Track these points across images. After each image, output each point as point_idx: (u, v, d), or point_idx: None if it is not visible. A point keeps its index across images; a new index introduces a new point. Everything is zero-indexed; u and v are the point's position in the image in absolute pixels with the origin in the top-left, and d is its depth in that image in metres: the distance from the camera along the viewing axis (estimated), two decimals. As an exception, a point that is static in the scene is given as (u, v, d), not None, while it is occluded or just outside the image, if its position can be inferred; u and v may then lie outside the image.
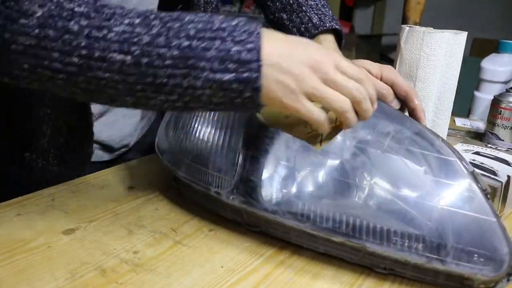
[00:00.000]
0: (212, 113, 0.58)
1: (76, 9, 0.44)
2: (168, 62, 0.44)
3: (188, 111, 0.48)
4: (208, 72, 0.44)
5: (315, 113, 0.45)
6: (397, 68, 0.76)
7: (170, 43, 0.44)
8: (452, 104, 0.77)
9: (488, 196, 0.47)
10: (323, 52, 0.46)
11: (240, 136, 0.54)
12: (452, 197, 0.46)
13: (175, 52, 0.44)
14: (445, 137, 0.79)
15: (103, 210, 0.60)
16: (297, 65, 0.44)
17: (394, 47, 0.82)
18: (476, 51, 2.86)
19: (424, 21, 1.01)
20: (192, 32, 0.44)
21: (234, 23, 0.45)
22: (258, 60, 0.43)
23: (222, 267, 0.50)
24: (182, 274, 0.48)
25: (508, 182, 0.61)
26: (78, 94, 0.47)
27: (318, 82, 0.44)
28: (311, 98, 0.45)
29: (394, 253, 0.46)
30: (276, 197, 0.51)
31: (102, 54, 0.44)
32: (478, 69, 1.14)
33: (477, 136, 0.99)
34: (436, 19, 2.61)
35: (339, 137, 0.50)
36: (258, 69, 0.43)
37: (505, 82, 1.11)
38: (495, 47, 1.13)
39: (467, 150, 0.71)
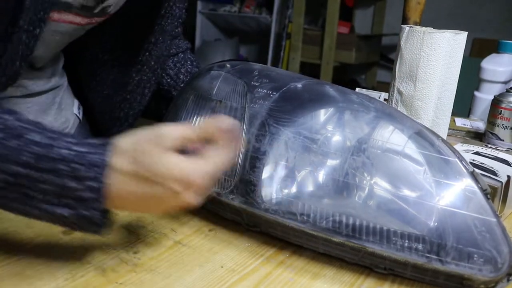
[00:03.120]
0: (212, 113, 0.58)
1: None
2: (2, 185, 0.42)
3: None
4: (44, 204, 0.43)
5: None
6: (397, 68, 0.76)
7: (5, 168, 0.41)
8: (452, 104, 0.77)
9: (488, 196, 0.47)
10: (186, 193, 0.43)
11: (240, 136, 0.54)
12: (452, 197, 0.46)
13: (10, 179, 0.41)
14: (445, 137, 0.79)
15: (103, 210, 0.60)
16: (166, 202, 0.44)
17: (394, 47, 0.82)
18: (476, 51, 2.87)
19: (424, 21, 1.00)
20: (30, 159, 0.41)
21: (79, 149, 0.42)
22: (100, 200, 0.42)
23: (222, 267, 0.50)
24: (182, 274, 0.48)
25: (508, 182, 0.61)
26: None
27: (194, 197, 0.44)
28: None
29: (394, 253, 0.46)
30: (276, 197, 0.51)
31: None
32: (478, 69, 1.14)
33: (477, 136, 0.99)
34: (436, 19, 2.61)
35: (338, 137, 0.50)
36: (100, 209, 0.43)
37: (505, 82, 1.11)
38: (495, 47, 1.13)
39: (467, 150, 0.71)
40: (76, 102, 0.81)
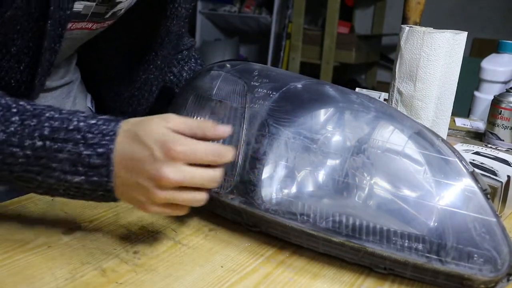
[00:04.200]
0: (212, 113, 0.58)
1: None
2: (21, 160, 0.47)
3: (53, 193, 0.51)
4: (59, 173, 0.47)
5: (168, 213, 0.49)
6: (397, 68, 0.76)
7: (23, 142, 0.46)
8: (452, 104, 0.77)
9: (488, 196, 0.47)
10: (165, 162, 0.46)
11: (240, 136, 0.54)
12: (452, 197, 0.46)
13: (28, 152, 0.46)
14: (445, 137, 0.79)
15: (103, 210, 0.60)
16: (143, 180, 0.46)
17: (394, 47, 0.82)
18: (476, 51, 2.86)
19: (424, 21, 1.00)
20: (46, 132, 0.47)
21: (92, 121, 0.48)
22: (107, 165, 0.46)
23: (222, 267, 0.50)
24: (182, 274, 0.48)
25: (508, 182, 0.61)
26: None
27: (166, 193, 0.46)
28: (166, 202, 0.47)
29: (394, 253, 0.46)
30: (276, 197, 0.51)
31: None
32: (478, 69, 1.14)
33: (477, 136, 0.99)
34: (436, 19, 2.61)
35: (338, 137, 0.50)
36: (108, 174, 0.47)
37: (505, 82, 1.11)
38: (495, 47, 1.13)
39: (467, 150, 0.71)
40: (89, 96, 0.83)
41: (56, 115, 0.48)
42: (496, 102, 0.91)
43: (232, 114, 0.56)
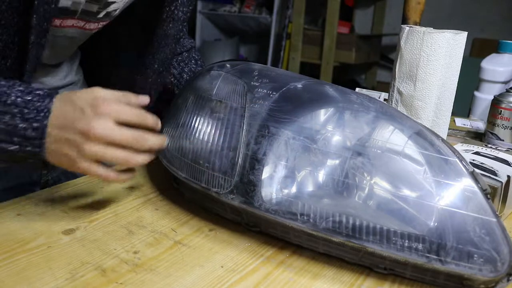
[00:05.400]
0: (212, 113, 0.58)
1: None
2: None
3: None
4: None
5: (96, 171, 0.53)
6: (397, 68, 0.76)
7: None
8: (452, 104, 0.77)
9: (488, 196, 0.47)
10: (94, 117, 0.52)
11: (240, 136, 0.54)
12: (452, 197, 0.46)
13: None
14: (445, 137, 0.79)
15: (103, 210, 0.60)
16: (74, 135, 0.52)
17: (394, 47, 0.82)
18: (476, 51, 2.86)
19: (424, 21, 1.01)
20: None
21: (28, 98, 0.52)
22: (41, 138, 0.52)
23: (222, 267, 0.50)
24: (182, 274, 0.48)
25: (508, 182, 0.61)
26: None
27: (95, 147, 0.52)
28: (96, 158, 0.53)
29: (394, 253, 0.46)
30: (276, 197, 0.51)
31: None
32: (478, 69, 1.14)
33: (477, 136, 0.99)
34: (436, 19, 2.61)
35: (338, 137, 0.50)
36: (41, 145, 0.52)
37: (505, 82, 1.11)
38: (495, 47, 1.13)
39: (467, 150, 0.71)
40: None
41: None
42: (496, 102, 0.91)
43: (232, 114, 0.56)
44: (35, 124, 0.51)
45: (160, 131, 0.66)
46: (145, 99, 0.58)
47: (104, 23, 0.68)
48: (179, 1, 0.71)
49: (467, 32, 0.74)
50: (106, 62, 0.79)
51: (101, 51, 0.79)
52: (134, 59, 0.77)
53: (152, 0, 0.71)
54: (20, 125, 0.51)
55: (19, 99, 0.51)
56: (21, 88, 0.52)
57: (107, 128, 0.52)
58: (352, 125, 0.51)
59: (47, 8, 0.55)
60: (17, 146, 0.52)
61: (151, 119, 0.57)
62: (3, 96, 0.51)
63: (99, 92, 0.54)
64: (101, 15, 0.65)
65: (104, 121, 0.52)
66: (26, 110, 0.51)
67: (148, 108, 0.81)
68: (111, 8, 0.65)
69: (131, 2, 0.68)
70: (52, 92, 0.54)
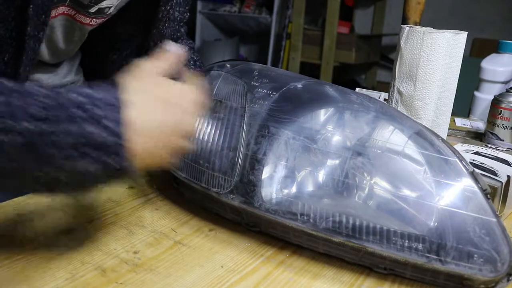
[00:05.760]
0: (212, 113, 0.58)
1: None
2: (10, 149, 0.37)
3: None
4: (62, 160, 0.38)
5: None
6: (397, 68, 0.76)
7: (12, 127, 0.37)
8: (452, 104, 0.77)
9: (488, 196, 0.47)
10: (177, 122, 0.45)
11: (240, 136, 0.54)
12: (452, 197, 0.46)
13: (19, 139, 0.37)
14: (445, 137, 0.79)
15: (103, 210, 0.60)
16: (175, 139, 0.45)
17: (394, 47, 0.82)
18: (476, 51, 2.86)
19: (424, 21, 1.01)
20: (40, 112, 0.38)
21: (91, 91, 0.40)
22: (122, 143, 0.39)
23: (222, 267, 0.50)
24: (182, 274, 0.48)
25: (508, 182, 0.61)
26: None
27: (185, 142, 0.46)
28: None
29: (394, 253, 0.46)
30: (276, 197, 0.51)
31: None
32: (478, 69, 1.14)
33: (477, 136, 0.99)
34: (436, 19, 2.61)
35: (338, 137, 0.50)
36: (123, 153, 0.40)
37: (505, 82, 1.11)
38: (495, 47, 1.13)
39: (467, 150, 0.71)
40: None
41: (44, 91, 0.40)
42: (496, 102, 0.91)
43: (232, 114, 0.56)
44: (110, 124, 0.39)
45: None
46: (179, 50, 0.49)
47: (98, 20, 0.67)
48: (175, 1, 0.71)
49: (467, 32, 0.74)
50: (105, 62, 0.79)
51: (100, 52, 0.79)
52: (132, 59, 0.77)
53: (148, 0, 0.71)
54: (90, 129, 0.39)
55: (77, 97, 0.40)
56: (77, 88, 0.41)
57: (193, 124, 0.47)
58: (352, 125, 0.51)
59: (44, 0, 0.54)
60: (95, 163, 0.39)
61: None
62: (56, 97, 0.39)
63: (163, 71, 0.47)
64: (93, 10, 0.64)
65: (192, 117, 0.47)
66: (92, 107, 0.39)
67: None
68: (104, 4, 0.64)
69: (126, 2, 0.68)
70: (114, 82, 0.44)
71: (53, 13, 0.61)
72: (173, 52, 0.49)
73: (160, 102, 0.43)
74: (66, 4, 0.62)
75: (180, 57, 0.49)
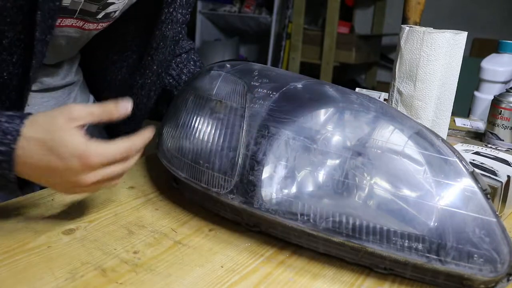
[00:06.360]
0: (212, 113, 0.58)
1: None
2: None
3: None
4: None
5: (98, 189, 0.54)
6: (397, 68, 0.76)
7: None
8: (452, 104, 0.77)
9: (488, 196, 0.47)
10: (65, 166, 0.49)
11: (240, 136, 0.54)
12: (452, 197, 0.46)
13: None
14: (445, 137, 0.79)
15: (103, 210, 0.60)
16: (64, 182, 0.51)
17: (394, 47, 0.82)
18: (476, 51, 2.87)
19: (424, 21, 1.01)
20: None
21: None
22: (10, 161, 0.49)
23: (222, 267, 0.50)
24: (182, 274, 0.48)
25: (508, 182, 0.61)
26: None
27: (93, 177, 0.50)
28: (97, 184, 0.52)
29: (394, 253, 0.46)
30: (276, 197, 0.51)
31: None
32: (478, 69, 1.14)
33: (477, 136, 0.99)
34: (436, 19, 2.61)
35: (338, 137, 0.50)
36: (10, 168, 0.49)
37: (505, 82, 1.11)
38: (495, 47, 1.13)
39: (467, 150, 0.71)
40: (91, 98, 0.83)
41: None
42: (496, 102, 0.91)
43: (232, 114, 0.56)
44: (1, 148, 0.48)
45: (160, 132, 0.66)
46: (126, 107, 0.52)
47: (104, 24, 0.68)
48: (178, 3, 0.72)
49: (467, 32, 0.74)
50: (105, 63, 0.79)
51: (101, 52, 0.79)
52: (132, 61, 0.77)
53: (151, 2, 0.71)
54: None
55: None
56: None
57: (97, 177, 0.50)
58: (352, 125, 0.51)
59: (52, 5, 0.56)
60: None
61: (139, 144, 0.53)
62: None
63: (76, 123, 0.49)
64: (100, 15, 0.65)
65: (93, 173, 0.50)
66: None
67: (147, 112, 0.81)
68: (111, 9, 0.65)
69: (131, 4, 0.68)
70: (23, 115, 0.50)
71: (59, 22, 0.62)
72: (117, 108, 0.51)
73: (48, 147, 0.49)
74: (75, 16, 0.62)
75: (118, 115, 0.52)
